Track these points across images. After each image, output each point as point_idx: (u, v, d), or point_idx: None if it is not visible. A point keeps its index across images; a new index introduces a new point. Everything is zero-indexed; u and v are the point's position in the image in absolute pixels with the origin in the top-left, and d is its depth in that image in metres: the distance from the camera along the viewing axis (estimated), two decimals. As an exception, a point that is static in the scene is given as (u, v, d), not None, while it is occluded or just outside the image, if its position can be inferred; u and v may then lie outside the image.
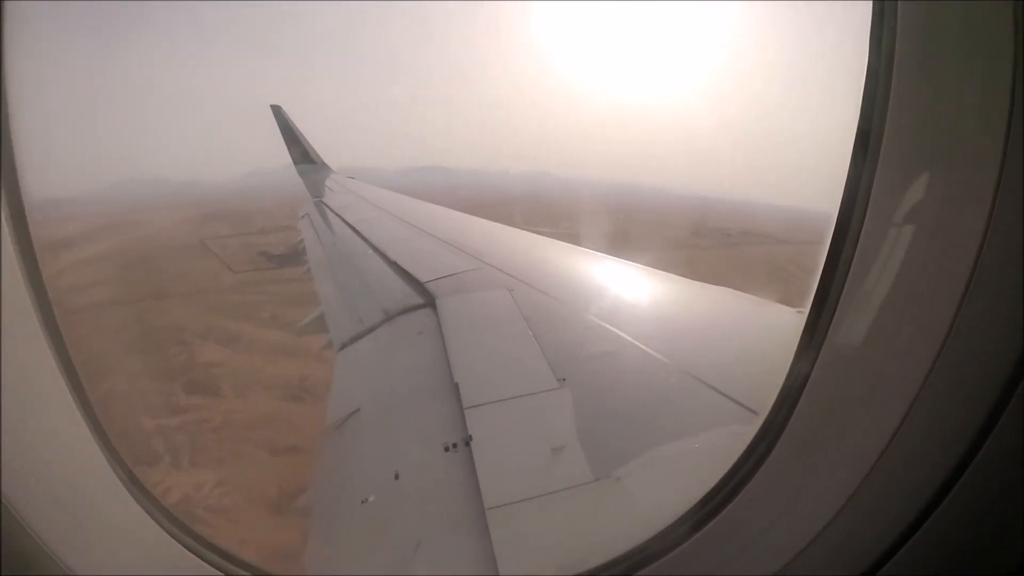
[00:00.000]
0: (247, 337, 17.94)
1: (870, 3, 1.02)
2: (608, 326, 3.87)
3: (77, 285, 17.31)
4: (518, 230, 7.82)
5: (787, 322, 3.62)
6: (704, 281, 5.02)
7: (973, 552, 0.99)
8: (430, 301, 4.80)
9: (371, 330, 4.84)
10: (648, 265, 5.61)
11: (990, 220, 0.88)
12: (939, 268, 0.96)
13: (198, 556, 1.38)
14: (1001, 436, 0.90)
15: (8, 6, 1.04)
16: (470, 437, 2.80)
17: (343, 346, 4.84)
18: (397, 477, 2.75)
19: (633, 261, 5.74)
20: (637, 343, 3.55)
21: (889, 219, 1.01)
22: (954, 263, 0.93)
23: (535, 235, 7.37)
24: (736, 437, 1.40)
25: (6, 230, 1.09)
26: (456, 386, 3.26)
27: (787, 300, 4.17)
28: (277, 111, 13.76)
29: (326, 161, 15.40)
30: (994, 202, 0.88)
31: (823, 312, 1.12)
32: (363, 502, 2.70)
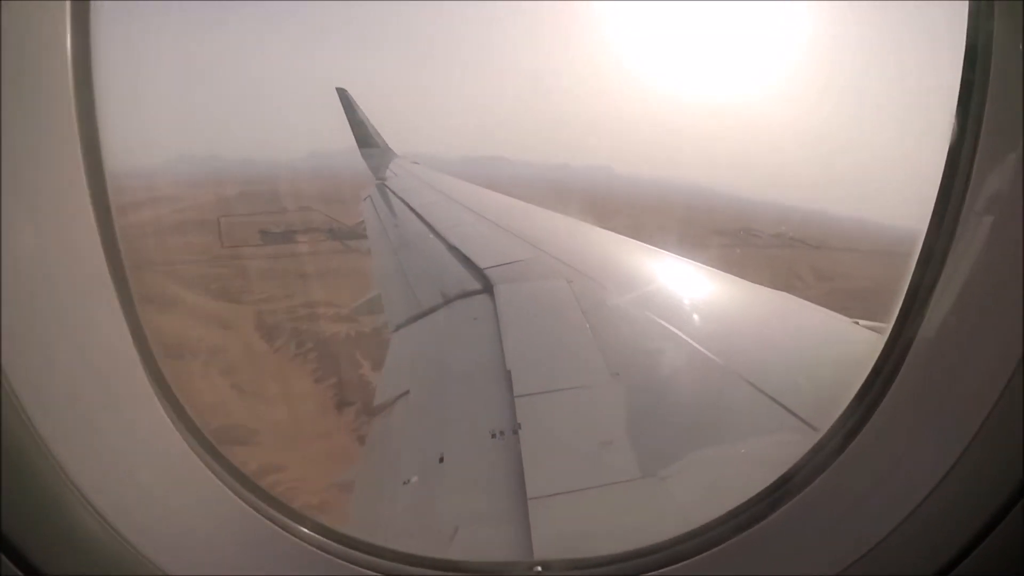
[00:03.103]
0: (187, 304, 19.49)
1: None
2: (664, 323, 3.81)
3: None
4: (579, 221, 7.71)
5: (843, 331, 3.50)
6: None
7: None
8: (488, 287, 4.80)
9: (427, 313, 4.87)
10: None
11: None
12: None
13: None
14: None
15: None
16: (519, 425, 2.78)
17: (398, 327, 4.89)
18: (441, 460, 2.76)
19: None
20: (693, 342, 3.49)
21: (980, 222, 1.00)
22: None
23: (595, 227, 7.24)
24: (783, 443, 1.39)
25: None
26: (508, 374, 3.25)
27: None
28: (342, 94, 13.74)
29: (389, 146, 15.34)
30: None
31: (913, 306, 1.10)
32: (405, 483, 2.72)
